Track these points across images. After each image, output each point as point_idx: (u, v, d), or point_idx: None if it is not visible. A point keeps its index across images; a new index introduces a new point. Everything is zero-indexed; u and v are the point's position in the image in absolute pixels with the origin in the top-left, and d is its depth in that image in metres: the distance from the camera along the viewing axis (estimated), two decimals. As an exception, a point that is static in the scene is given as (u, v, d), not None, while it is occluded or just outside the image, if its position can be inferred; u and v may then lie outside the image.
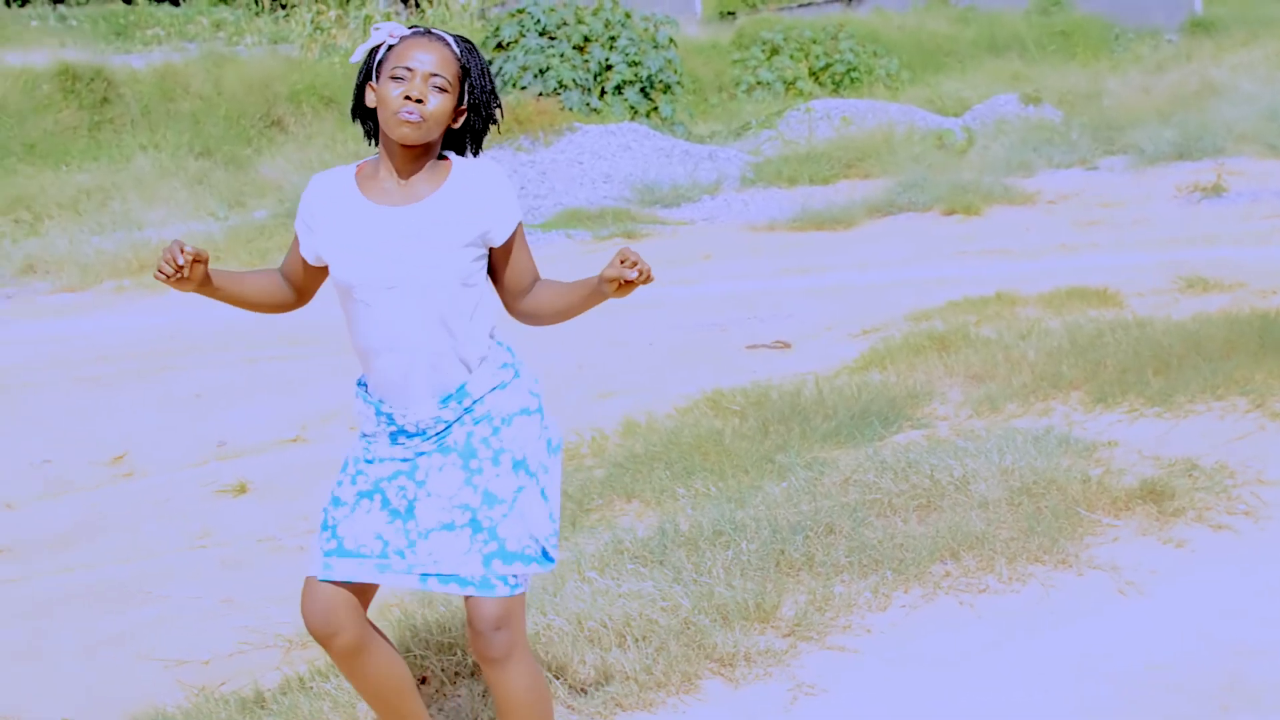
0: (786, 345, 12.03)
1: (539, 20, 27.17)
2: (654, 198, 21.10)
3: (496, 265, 4.41)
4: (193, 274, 4.12)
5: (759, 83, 33.47)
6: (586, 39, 27.11)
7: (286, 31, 34.17)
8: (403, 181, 4.27)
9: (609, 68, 26.92)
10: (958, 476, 7.41)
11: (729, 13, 44.75)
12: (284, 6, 37.77)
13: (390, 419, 4.33)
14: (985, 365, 10.07)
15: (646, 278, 4.18)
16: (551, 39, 27.04)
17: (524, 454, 4.41)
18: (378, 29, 4.30)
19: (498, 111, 4.43)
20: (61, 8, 37.22)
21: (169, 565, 8.15)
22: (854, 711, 5.51)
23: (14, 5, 37.60)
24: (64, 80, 27.31)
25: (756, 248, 17.45)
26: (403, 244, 4.21)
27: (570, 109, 25.48)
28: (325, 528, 4.40)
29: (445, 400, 4.32)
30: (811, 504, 7.29)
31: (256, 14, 37.49)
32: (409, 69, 4.16)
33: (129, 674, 6.77)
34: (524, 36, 27.07)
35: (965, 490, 7.29)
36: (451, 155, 4.39)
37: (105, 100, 27.42)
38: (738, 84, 33.72)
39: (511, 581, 4.32)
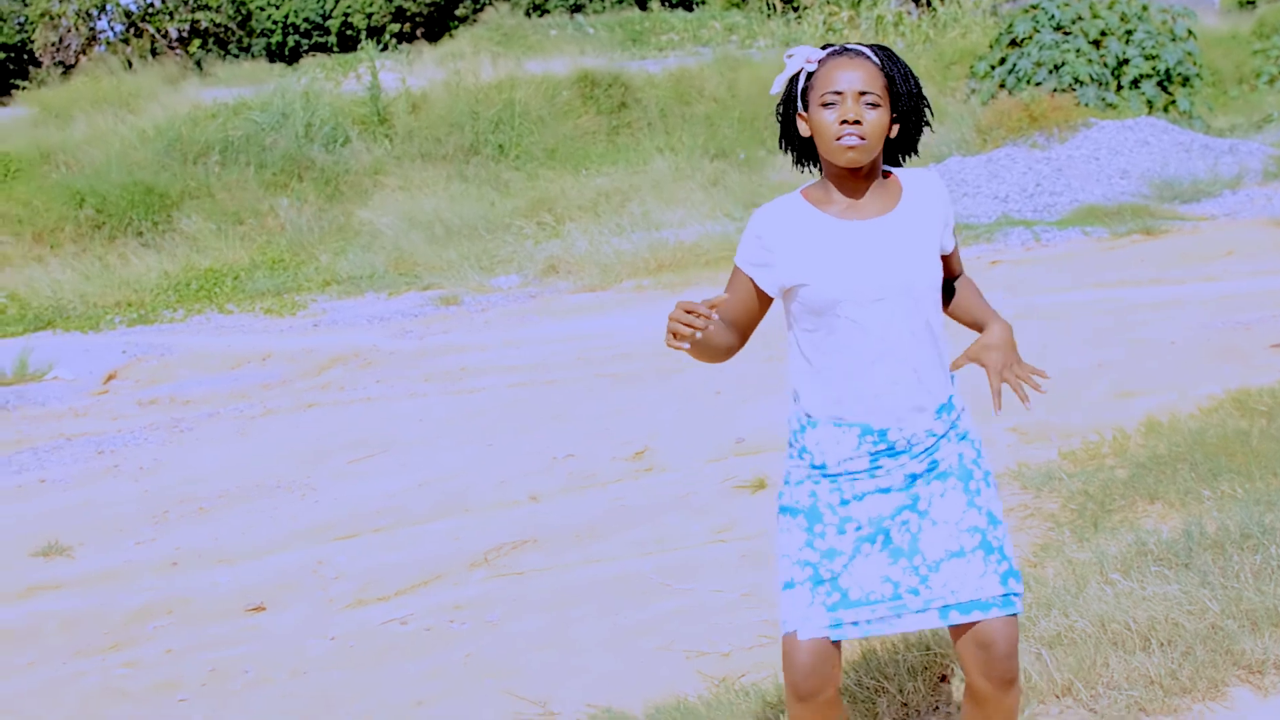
0: (1315, 343, 11.62)
1: (1053, 15, 26.84)
2: (1173, 193, 20.59)
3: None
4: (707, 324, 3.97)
5: (1282, 73, 32.42)
6: (1103, 33, 26.65)
7: (799, 33, 34.49)
8: (860, 199, 4.23)
9: (1125, 62, 26.41)
10: None
11: (1249, 2, 43.47)
12: (795, 9, 38.13)
13: (881, 436, 4.23)
14: None
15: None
16: (1066, 34, 26.68)
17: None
18: (791, 56, 4.26)
19: (927, 112, 4.36)
20: (579, 16, 38.29)
21: (689, 558, 8.29)
22: (1392, 725, 5.29)
23: (535, 15, 38.83)
24: (583, 86, 28.13)
25: (1281, 243, 16.88)
26: (887, 254, 4.18)
27: (1085, 104, 25.09)
28: (819, 581, 4.25)
29: (939, 411, 4.28)
30: (1345, 508, 7.02)
31: (768, 16, 37.95)
32: (838, 93, 4.11)
33: (651, 664, 6.92)
34: (1038, 32, 26.76)
35: None
36: (892, 170, 4.35)
37: (623, 105, 28.14)
38: (1259, 75, 32.70)
39: (1019, 598, 4.27)
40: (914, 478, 4.26)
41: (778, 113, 4.38)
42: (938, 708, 5.62)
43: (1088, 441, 9.19)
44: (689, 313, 3.88)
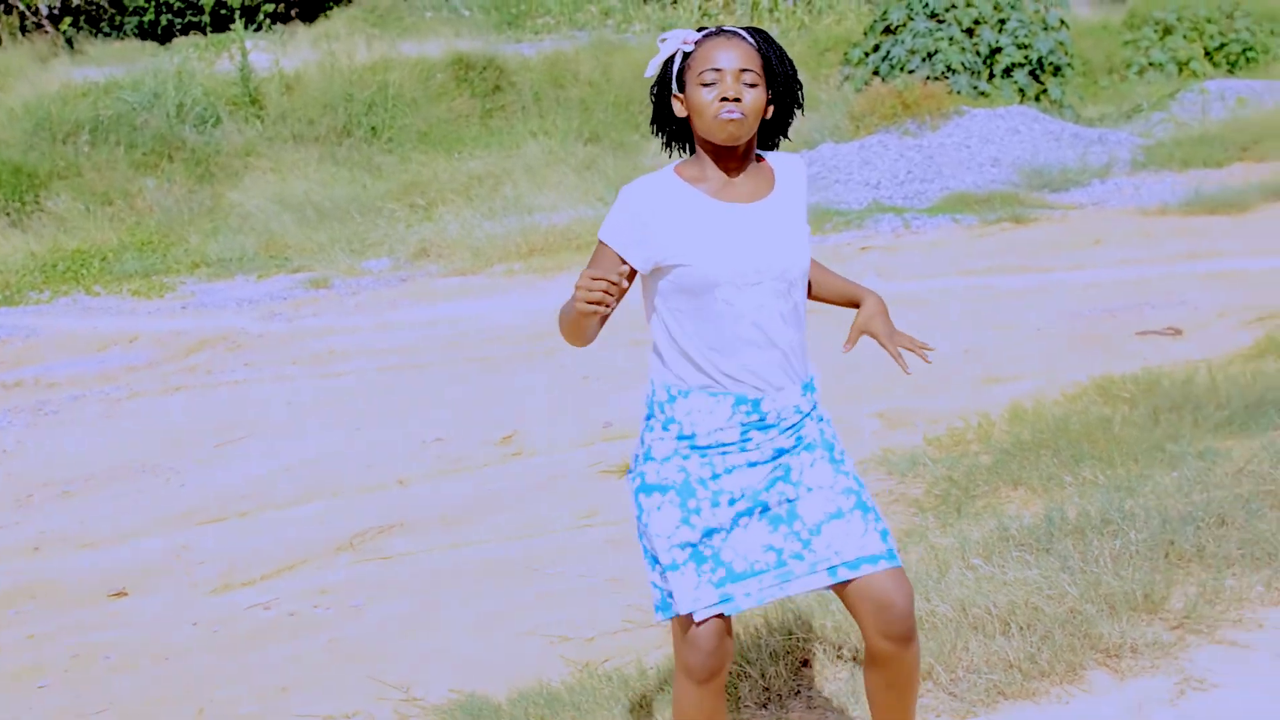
0: (1178, 332, 11.77)
1: (927, 3, 27.01)
2: (1042, 181, 20.81)
3: None
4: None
5: (1151, 64, 32.76)
6: (976, 21, 26.85)
7: (674, 18, 34.49)
8: (735, 180, 4.25)
9: (998, 50, 26.62)
10: (1358, 468, 7.17)
11: (1121, -7, 43.92)
12: (672, -7, 38.12)
13: (755, 406, 4.22)
14: (1389, 354, 9.72)
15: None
16: (940, 22, 26.85)
17: None
18: (665, 39, 4.27)
19: (800, 94, 4.37)
20: (455, -2, 38.05)
21: (556, 543, 8.30)
22: (1243, 707, 5.37)
23: (409, -3, 38.56)
24: (457, 69, 28.05)
25: (1147, 232, 17.08)
26: (765, 238, 4.20)
27: (958, 92, 25.29)
28: (701, 560, 4.22)
29: (805, 389, 4.30)
30: (1203, 494, 7.12)
31: (645, 1, 37.92)
32: (717, 70, 4.13)
33: (515, 648, 6.92)
34: (912, 20, 26.93)
35: (1366, 482, 7.04)
36: (761, 153, 4.38)
37: (497, 88, 28.06)
38: (1129, 65, 33.05)
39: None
40: (781, 451, 4.27)
41: (652, 94, 4.38)
42: (799, 692, 5.66)
43: (953, 428, 9.27)
44: (597, 279, 3.90)
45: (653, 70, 4.33)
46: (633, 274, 4.25)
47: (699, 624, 4.20)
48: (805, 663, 5.82)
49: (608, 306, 3.95)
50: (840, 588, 4.27)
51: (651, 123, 4.43)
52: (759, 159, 4.35)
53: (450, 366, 13.02)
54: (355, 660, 7.03)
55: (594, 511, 8.74)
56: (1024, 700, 5.43)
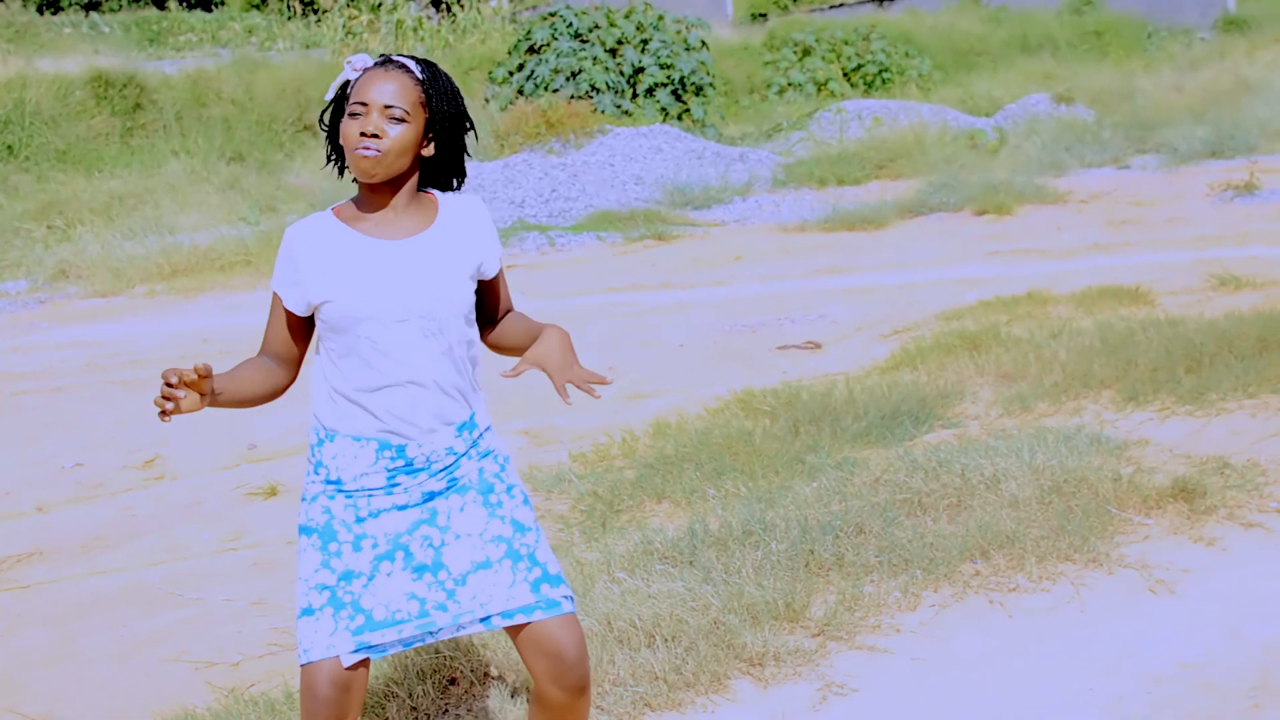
0: (817, 346, 12.01)
1: (571, 23, 27.22)
2: (685, 199, 21.11)
3: (482, 297, 4.41)
4: (200, 389, 3.86)
5: (790, 84, 33.49)
6: (619, 42, 27.14)
7: (318, 36, 34.32)
8: (389, 216, 4.18)
9: (641, 70, 26.94)
10: (988, 475, 7.40)
11: (760, 15, 44.85)
12: (315, 11, 37.90)
13: (400, 452, 4.15)
14: (1016, 364, 10.04)
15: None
16: (584, 42, 27.08)
17: (526, 493, 4.39)
18: (349, 63, 4.18)
19: (469, 133, 4.31)
20: (94, 14, 37.34)
21: (200, 567, 8.15)
22: (883, 711, 5.50)
23: (47, 12, 37.72)
24: (97, 86, 27.48)
25: (787, 249, 17.44)
26: (410, 276, 4.13)
27: (602, 111, 25.53)
28: (339, 605, 4.13)
29: (460, 429, 4.23)
30: (841, 504, 7.28)
31: (288, 19, 37.65)
32: (364, 104, 4.06)
33: (159, 676, 6.78)
34: (556, 40, 27.10)
35: (996, 489, 7.27)
36: (434, 192, 4.31)
37: (138, 106, 27.59)
38: (769, 85, 33.73)
39: (569, 600, 4.25)
40: (432, 495, 4.20)
41: (322, 122, 4.30)
42: (447, 710, 5.64)
43: (597, 443, 9.32)
44: (169, 385, 3.78)
45: (331, 94, 4.25)
46: (301, 322, 4.21)
47: (322, 672, 4.11)
48: (453, 680, 5.81)
49: (175, 404, 3.80)
50: (512, 633, 4.23)
51: (326, 143, 4.31)
52: (428, 195, 4.27)
53: (90, 389, 12.73)
54: (-8, 693, 6.83)
55: (238, 534, 8.61)
56: (670, 711, 5.49)
